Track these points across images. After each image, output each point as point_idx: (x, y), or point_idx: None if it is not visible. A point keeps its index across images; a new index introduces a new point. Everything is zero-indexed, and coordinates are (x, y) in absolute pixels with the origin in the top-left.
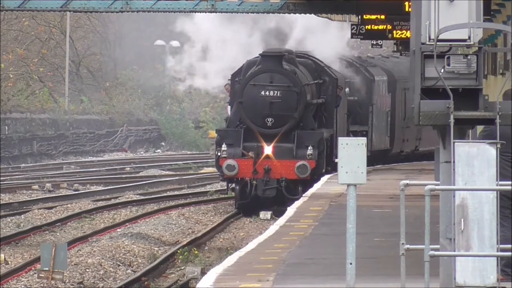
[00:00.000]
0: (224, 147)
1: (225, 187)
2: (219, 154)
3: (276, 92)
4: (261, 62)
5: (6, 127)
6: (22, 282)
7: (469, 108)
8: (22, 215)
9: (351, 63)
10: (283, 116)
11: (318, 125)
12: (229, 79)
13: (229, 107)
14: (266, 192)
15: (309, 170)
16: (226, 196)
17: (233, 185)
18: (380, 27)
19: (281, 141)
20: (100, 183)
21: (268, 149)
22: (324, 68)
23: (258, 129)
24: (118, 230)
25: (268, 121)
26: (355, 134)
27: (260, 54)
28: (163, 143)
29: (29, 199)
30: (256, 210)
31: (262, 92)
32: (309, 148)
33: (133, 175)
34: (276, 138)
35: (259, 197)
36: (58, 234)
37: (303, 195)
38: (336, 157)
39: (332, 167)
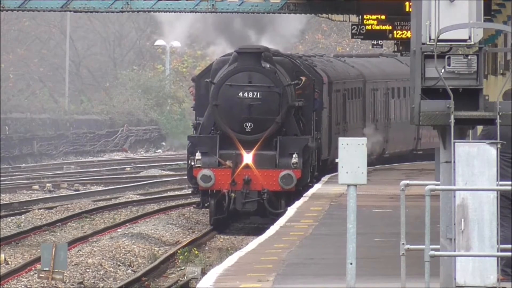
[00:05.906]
0: (198, 155)
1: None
2: (192, 163)
3: (255, 93)
4: (237, 60)
5: (7, 127)
6: (22, 282)
7: (470, 108)
8: (23, 215)
9: (303, 63)
10: (264, 120)
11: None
12: (193, 80)
13: (194, 112)
14: (246, 206)
15: (295, 181)
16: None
17: (203, 200)
18: (381, 27)
19: (262, 149)
20: (101, 183)
21: (247, 158)
22: (300, 68)
23: (236, 135)
24: (119, 230)
25: (247, 126)
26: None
27: (235, 51)
28: (163, 143)
29: (29, 199)
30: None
31: (240, 94)
32: (293, 156)
33: (133, 175)
34: (256, 145)
35: (237, 212)
36: (58, 234)
37: (304, 195)
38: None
39: (311, 179)
